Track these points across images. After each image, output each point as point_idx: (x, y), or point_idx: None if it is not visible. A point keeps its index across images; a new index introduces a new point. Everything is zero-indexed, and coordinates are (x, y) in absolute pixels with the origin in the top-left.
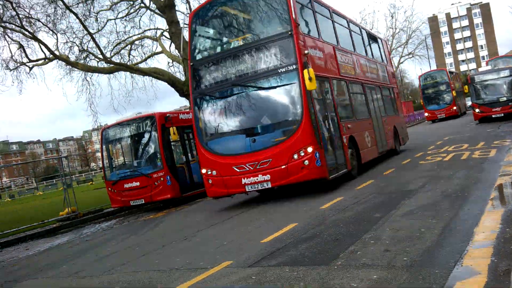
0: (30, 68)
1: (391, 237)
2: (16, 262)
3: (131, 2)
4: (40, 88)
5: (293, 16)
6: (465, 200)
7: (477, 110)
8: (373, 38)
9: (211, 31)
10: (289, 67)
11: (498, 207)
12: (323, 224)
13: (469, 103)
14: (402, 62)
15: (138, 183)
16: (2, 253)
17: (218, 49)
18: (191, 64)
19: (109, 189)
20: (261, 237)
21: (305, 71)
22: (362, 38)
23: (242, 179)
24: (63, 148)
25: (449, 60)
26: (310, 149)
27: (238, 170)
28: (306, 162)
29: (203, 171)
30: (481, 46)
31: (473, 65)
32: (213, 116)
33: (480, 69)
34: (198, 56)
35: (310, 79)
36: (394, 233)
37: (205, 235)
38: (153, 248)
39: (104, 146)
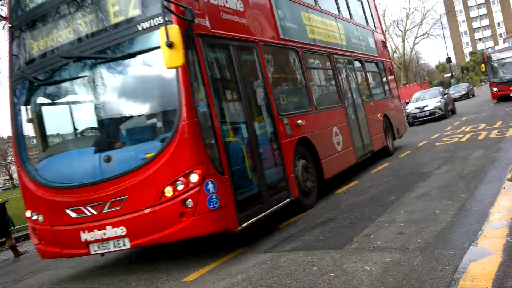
0: None
1: (406, 219)
2: None
3: None
4: None
5: None
6: (481, 181)
7: (494, 89)
8: None
9: None
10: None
11: None
12: (338, 208)
13: None
14: (417, 43)
15: None
16: None
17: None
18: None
19: None
20: (276, 223)
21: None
22: None
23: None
24: None
25: (465, 39)
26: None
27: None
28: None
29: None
30: (498, 24)
31: (490, 43)
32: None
33: (497, 47)
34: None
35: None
36: (408, 215)
37: None
38: None
39: None
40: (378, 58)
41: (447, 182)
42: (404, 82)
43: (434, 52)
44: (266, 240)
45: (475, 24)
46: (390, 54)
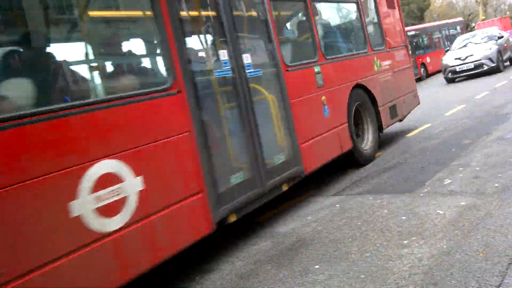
0: None
1: (482, 163)
2: None
3: None
4: None
5: None
6: None
7: None
8: None
9: None
10: None
11: None
12: (408, 152)
13: None
14: None
15: None
16: None
17: None
18: None
19: None
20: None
21: None
22: None
23: None
24: None
25: None
26: None
27: None
28: None
29: None
30: None
31: None
32: None
33: None
34: None
35: None
36: (484, 159)
37: None
38: None
39: None
40: None
41: None
42: (483, 17)
43: None
44: (335, 184)
45: None
46: None
